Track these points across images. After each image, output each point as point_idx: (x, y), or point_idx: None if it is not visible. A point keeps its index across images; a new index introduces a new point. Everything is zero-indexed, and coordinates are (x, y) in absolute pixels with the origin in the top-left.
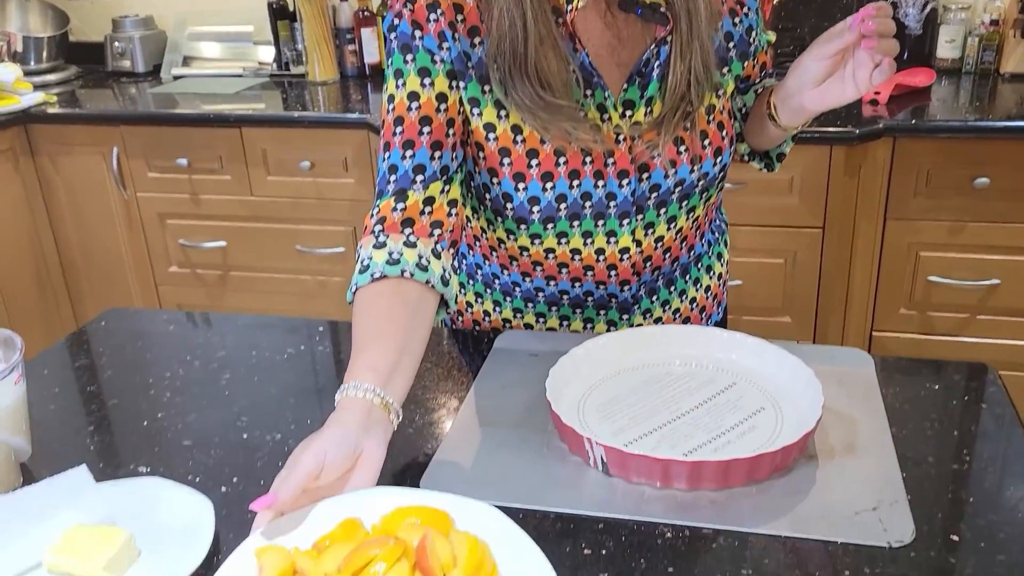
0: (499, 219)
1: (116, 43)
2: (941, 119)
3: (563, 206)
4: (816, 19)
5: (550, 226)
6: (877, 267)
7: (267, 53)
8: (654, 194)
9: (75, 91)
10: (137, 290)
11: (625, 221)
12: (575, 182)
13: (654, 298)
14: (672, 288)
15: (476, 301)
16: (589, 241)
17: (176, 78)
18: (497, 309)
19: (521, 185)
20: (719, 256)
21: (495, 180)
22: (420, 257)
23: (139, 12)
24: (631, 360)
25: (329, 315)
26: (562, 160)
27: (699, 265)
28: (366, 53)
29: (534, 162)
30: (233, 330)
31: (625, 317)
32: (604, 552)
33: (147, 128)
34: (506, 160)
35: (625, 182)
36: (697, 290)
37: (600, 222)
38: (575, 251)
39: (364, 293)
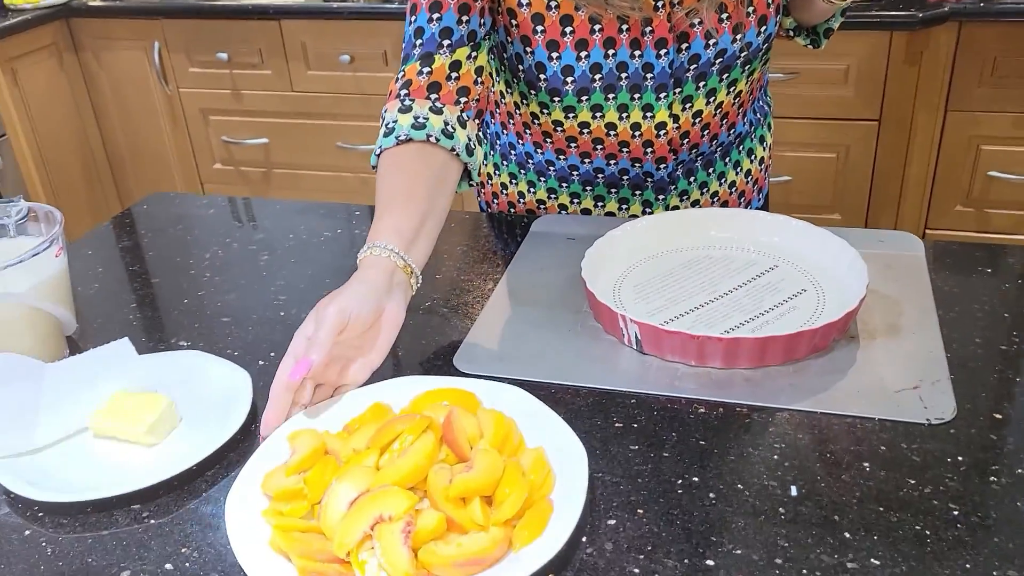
0: (532, 92)
1: None
2: (1012, 2)
3: (598, 77)
4: None
5: (584, 98)
6: (935, 162)
7: None
8: (693, 66)
9: None
10: (182, 187)
11: (662, 95)
12: (610, 51)
13: (692, 179)
14: (711, 170)
15: (511, 183)
16: (624, 115)
17: None
18: (531, 190)
19: (555, 54)
20: (761, 139)
21: (528, 49)
22: (446, 124)
23: None
24: (670, 243)
25: None
26: (597, 28)
27: (740, 148)
28: None
29: (568, 29)
30: (271, 214)
31: (661, 198)
32: (636, 425)
33: (187, 21)
34: (539, 28)
35: (663, 52)
36: (737, 174)
37: (636, 95)
38: (610, 126)
39: (389, 155)
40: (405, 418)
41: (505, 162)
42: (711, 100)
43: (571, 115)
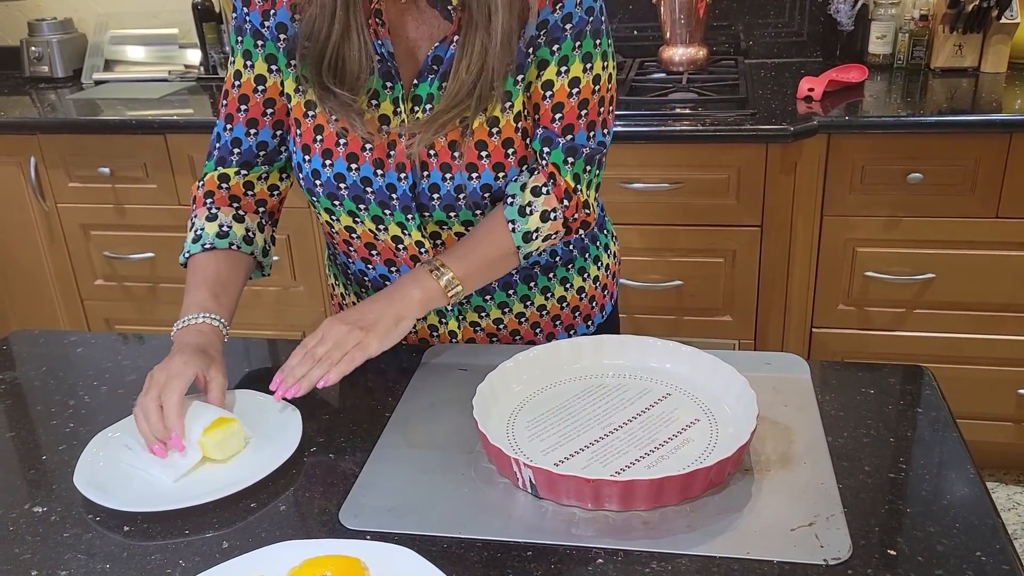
0: (312, 196)
1: (33, 47)
2: (874, 115)
3: (343, 185)
4: (750, 16)
5: (337, 203)
6: (815, 264)
7: (194, 56)
8: (435, 195)
9: None
10: (62, 306)
11: (409, 216)
12: (353, 165)
13: (510, 292)
14: (532, 285)
15: (345, 294)
16: (382, 227)
17: (98, 83)
18: (359, 300)
19: (307, 157)
20: (596, 260)
21: (292, 148)
22: (247, 231)
23: (57, 15)
24: (563, 372)
25: (262, 325)
26: (342, 142)
27: (568, 267)
28: None
29: (319, 137)
30: (145, 352)
31: (451, 310)
32: None
33: (66, 136)
34: (298, 131)
35: (403, 176)
36: (567, 290)
37: (387, 211)
38: (373, 233)
39: (196, 259)
40: None
41: (346, 280)
42: (470, 228)
43: (334, 218)
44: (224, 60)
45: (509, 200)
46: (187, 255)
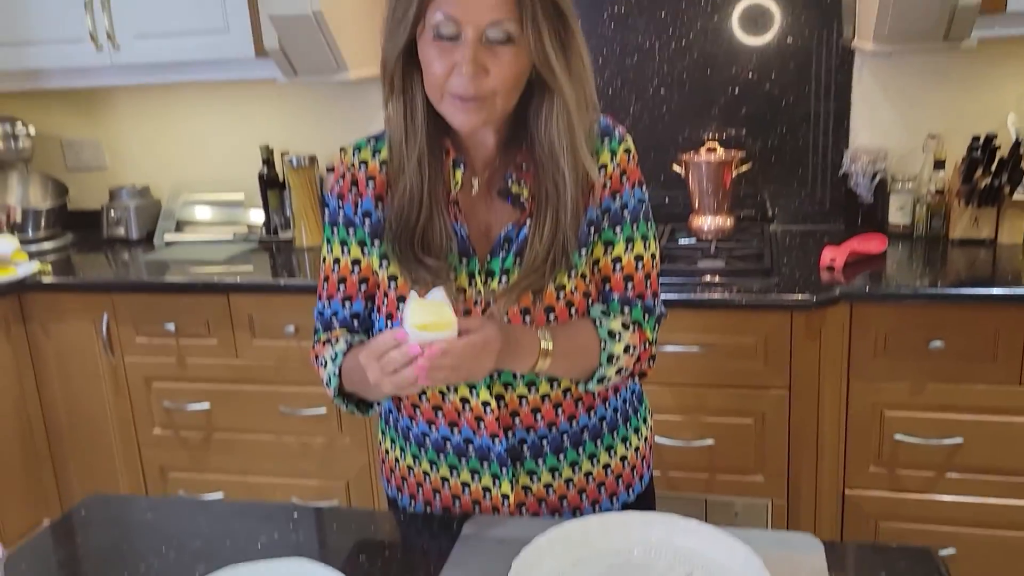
0: None
1: (112, 211)
2: (895, 285)
3: None
4: (776, 185)
5: None
6: (844, 426)
7: (258, 216)
8: None
9: (70, 256)
10: (120, 452)
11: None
12: None
13: (561, 456)
14: (581, 450)
15: (400, 458)
16: (452, 388)
17: (168, 244)
18: (416, 462)
19: (390, 323)
20: (636, 430)
21: (376, 316)
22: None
23: (136, 182)
24: (593, 547)
25: (311, 476)
26: None
27: (613, 434)
28: None
29: (401, 305)
30: (209, 518)
31: (505, 470)
32: None
33: (137, 295)
34: (384, 300)
35: None
36: (611, 457)
37: None
38: (442, 395)
39: (346, 363)
40: None
41: (404, 442)
42: (533, 389)
43: None
44: (284, 223)
45: (598, 322)
46: (335, 374)
